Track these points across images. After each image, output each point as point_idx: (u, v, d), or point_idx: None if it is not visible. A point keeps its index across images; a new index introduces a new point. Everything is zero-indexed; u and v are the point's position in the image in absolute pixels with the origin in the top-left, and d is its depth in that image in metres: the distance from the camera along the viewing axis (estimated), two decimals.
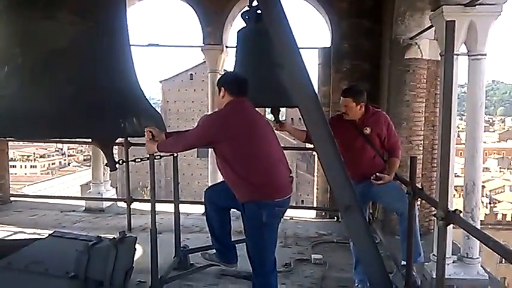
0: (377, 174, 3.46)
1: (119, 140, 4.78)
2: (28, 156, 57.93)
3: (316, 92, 3.63)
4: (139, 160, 4.26)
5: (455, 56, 3.72)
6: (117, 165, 3.24)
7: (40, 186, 42.28)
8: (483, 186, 36.22)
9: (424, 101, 5.14)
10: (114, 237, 2.88)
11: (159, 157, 3.60)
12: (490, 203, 38.74)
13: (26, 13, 2.79)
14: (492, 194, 41.35)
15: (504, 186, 42.66)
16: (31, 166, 56.86)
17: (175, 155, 3.75)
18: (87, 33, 2.81)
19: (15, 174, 50.87)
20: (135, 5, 6.66)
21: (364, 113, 3.49)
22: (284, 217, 5.70)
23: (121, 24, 3.03)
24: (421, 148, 5.18)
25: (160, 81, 45.65)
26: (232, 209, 3.15)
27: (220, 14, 6.02)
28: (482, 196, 34.75)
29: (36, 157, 58.51)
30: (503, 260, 3.90)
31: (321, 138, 2.84)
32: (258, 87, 3.62)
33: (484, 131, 3.99)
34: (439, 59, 4.59)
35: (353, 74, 5.78)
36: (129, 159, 5.03)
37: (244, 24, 3.78)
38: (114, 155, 3.20)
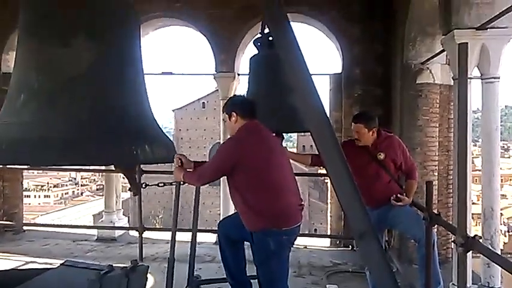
0: (398, 195, 3.39)
1: None
2: (42, 186, 58.45)
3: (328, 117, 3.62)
4: (162, 184, 4.26)
5: (468, 80, 3.71)
6: (141, 189, 3.23)
7: (53, 216, 42.42)
8: (501, 214, 35.35)
9: (438, 125, 5.09)
10: (125, 266, 2.83)
11: (182, 183, 3.57)
12: (508, 231, 37.69)
13: (43, 42, 2.83)
14: (510, 222, 40.26)
15: None
16: (45, 196, 57.28)
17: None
18: (101, 59, 2.82)
19: (29, 204, 51.24)
20: (149, 35, 6.80)
21: (377, 138, 3.45)
22: (298, 246, 5.74)
23: (135, 51, 3.06)
24: (436, 174, 5.09)
25: (173, 110, 46.23)
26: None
27: (233, 42, 6.10)
28: (500, 224, 33.84)
29: (50, 187, 58.98)
30: None
31: (333, 163, 2.79)
32: (270, 112, 3.63)
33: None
34: (452, 83, 4.57)
35: (365, 100, 5.77)
36: (151, 184, 5.05)
37: (257, 51, 3.82)
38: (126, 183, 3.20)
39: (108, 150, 2.69)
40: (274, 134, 3.87)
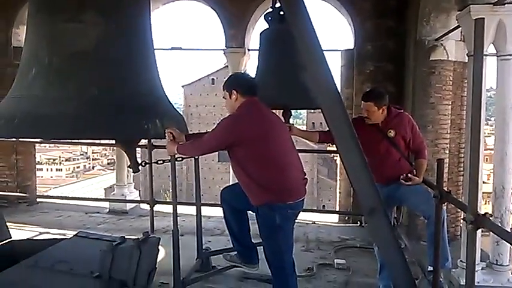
0: (407, 175, 3.39)
1: (143, 142, 4.83)
2: (54, 159, 59.28)
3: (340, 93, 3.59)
4: (161, 162, 4.31)
5: (483, 57, 3.64)
6: (140, 167, 3.28)
7: (65, 189, 43.17)
8: None
9: (450, 103, 5.03)
10: (137, 238, 2.89)
11: (180, 159, 3.61)
12: None
13: (53, 17, 2.84)
14: None
15: None
16: (57, 169, 58.18)
17: (196, 157, 3.74)
18: (111, 34, 2.84)
19: (42, 177, 52.07)
20: (159, 9, 6.73)
21: (387, 115, 3.42)
22: (306, 221, 5.79)
23: (145, 26, 3.05)
24: (447, 152, 5.06)
25: (183, 86, 46.14)
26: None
27: (243, 17, 6.03)
28: None
29: (62, 160, 59.82)
30: None
31: (344, 139, 2.78)
32: (280, 88, 3.62)
33: None
34: (466, 60, 4.48)
35: (376, 76, 5.70)
36: (149, 162, 5.11)
37: (267, 26, 3.77)
38: (138, 157, 3.23)
39: (118, 125, 2.73)
40: (282, 110, 3.88)
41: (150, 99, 2.92)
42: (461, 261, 3.69)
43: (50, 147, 55.64)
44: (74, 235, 3.61)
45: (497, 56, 3.66)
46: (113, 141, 6.13)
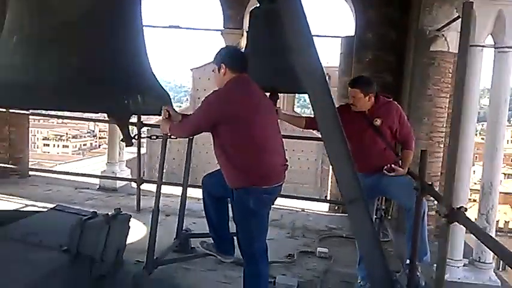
0: (391, 165, 3.31)
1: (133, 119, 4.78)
2: (61, 136, 59.69)
3: (337, 81, 3.49)
4: (154, 137, 4.27)
5: (480, 48, 3.52)
6: (133, 141, 3.22)
7: (71, 165, 43.41)
8: (510, 193, 34.75)
9: (448, 96, 4.90)
10: (107, 214, 2.85)
11: (174, 138, 3.53)
12: None
13: None
14: None
15: None
16: (63, 146, 58.62)
17: (191, 138, 3.65)
18: (98, 6, 2.77)
19: (48, 152, 52.65)
20: None
21: (375, 103, 3.33)
22: (295, 208, 5.73)
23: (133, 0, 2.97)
24: (442, 145, 4.95)
25: (191, 69, 45.95)
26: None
27: None
28: (506, 204, 33.28)
29: (69, 137, 60.22)
30: None
31: (328, 127, 2.69)
32: (268, 70, 3.52)
33: None
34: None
35: (376, 65, 5.57)
36: (143, 136, 5.07)
37: (258, 4, 3.65)
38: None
39: (97, 98, 2.67)
40: (270, 93, 3.78)
41: (134, 74, 2.84)
42: (449, 258, 3.60)
43: (57, 123, 56.02)
44: (51, 208, 3.59)
45: (495, 48, 3.53)
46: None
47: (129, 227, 3.12)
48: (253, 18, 3.67)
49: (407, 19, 5.43)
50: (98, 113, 3.24)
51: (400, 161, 3.37)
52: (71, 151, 57.67)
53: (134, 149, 5.13)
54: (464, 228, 3.57)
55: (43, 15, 2.72)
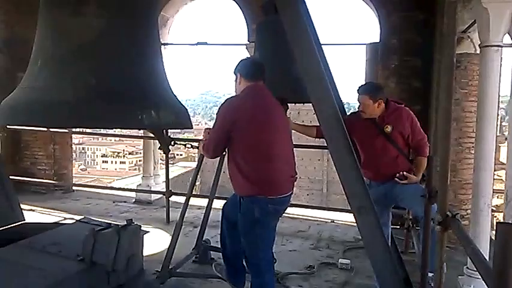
0: (404, 173, 3.24)
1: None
2: (118, 152, 62.29)
3: (336, 87, 3.47)
4: (189, 146, 4.57)
5: (496, 48, 3.38)
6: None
7: (127, 180, 45.12)
8: None
9: (477, 100, 4.67)
10: (118, 225, 2.99)
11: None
12: None
13: (57, 10, 2.99)
14: None
15: None
16: (121, 162, 61.11)
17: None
18: (114, 26, 2.93)
19: (107, 169, 55.07)
20: (187, 5, 6.86)
21: (385, 109, 3.27)
22: (325, 220, 5.66)
23: (148, 19, 3.12)
24: (473, 152, 4.71)
25: None
26: None
27: None
28: None
29: (126, 154, 62.71)
30: None
31: (333, 136, 2.70)
32: (277, 80, 3.53)
33: None
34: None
35: (401, 71, 5.44)
36: (179, 143, 5.23)
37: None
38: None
39: (110, 114, 2.83)
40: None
41: (148, 90, 2.99)
42: (467, 267, 3.44)
43: (115, 140, 58.54)
44: (76, 220, 3.82)
45: None
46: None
47: (140, 237, 3.25)
48: (259, 30, 3.73)
49: (433, 22, 5.27)
50: (114, 128, 3.43)
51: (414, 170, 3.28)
52: (128, 167, 59.95)
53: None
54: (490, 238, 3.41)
55: (63, 39, 2.92)
